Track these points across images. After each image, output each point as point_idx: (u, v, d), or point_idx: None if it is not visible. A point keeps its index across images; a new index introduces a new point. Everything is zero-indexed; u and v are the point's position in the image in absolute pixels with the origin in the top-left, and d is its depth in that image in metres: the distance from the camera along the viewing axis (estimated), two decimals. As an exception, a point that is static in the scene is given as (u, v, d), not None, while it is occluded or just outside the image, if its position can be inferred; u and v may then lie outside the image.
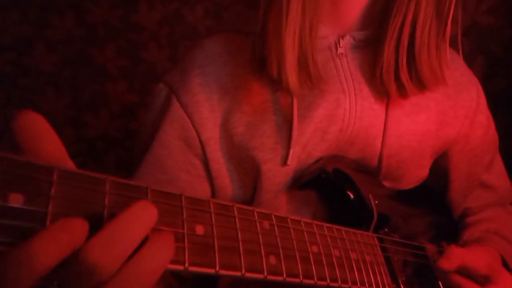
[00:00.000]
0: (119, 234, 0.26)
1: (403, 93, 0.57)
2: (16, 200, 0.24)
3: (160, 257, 0.28)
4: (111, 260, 0.25)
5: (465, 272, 0.55)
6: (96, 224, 0.27)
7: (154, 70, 1.53)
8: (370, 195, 0.55)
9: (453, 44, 0.60)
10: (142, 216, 0.28)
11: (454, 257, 0.53)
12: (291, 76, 0.52)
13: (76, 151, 1.54)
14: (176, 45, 1.52)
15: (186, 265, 0.30)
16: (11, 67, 1.46)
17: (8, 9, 1.43)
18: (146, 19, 1.50)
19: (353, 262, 0.45)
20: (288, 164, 0.55)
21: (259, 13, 0.53)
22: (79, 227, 0.25)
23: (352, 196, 0.55)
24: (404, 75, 0.56)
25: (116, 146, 1.56)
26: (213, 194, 0.60)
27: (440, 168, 0.69)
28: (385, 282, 0.49)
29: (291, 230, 0.41)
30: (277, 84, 0.54)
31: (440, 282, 0.57)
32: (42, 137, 0.27)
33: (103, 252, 0.25)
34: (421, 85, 0.57)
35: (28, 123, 0.27)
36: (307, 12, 0.51)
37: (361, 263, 0.46)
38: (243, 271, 0.34)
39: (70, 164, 0.28)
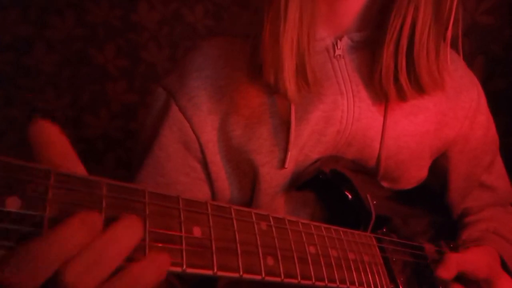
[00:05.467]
0: (98, 259, 0.26)
1: (402, 96, 0.57)
2: (13, 204, 0.24)
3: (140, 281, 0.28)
4: (88, 284, 0.26)
5: (465, 276, 0.54)
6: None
7: (154, 70, 1.52)
8: (368, 195, 0.55)
9: (453, 45, 0.60)
10: (124, 237, 0.28)
11: (452, 265, 0.52)
12: (290, 84, 0.52)
13: (76, 151, 1.53)
14: (176, 45, 1.52)
15: (184, 267, 0.31)
16: (11, 67, 1.46)
17: (8, 8, 1.43)
18: (146, 19, 1.49)
19: (351, 262, 0.45)
20: (285, 166, 0.55)
21: (256, 18, 0.53)
22: (98, 220, 0.27)
23: (350, 196, 0.55)
24: (404, 79, 0.55)
25: (116, 146, 1.56)
26: (213, 197, 0.60)
27: (439, 168, 0.69)
28: (384, 282, 0.49)
29: (289, 231, 0.41)
30: (274, 89, 0.54)
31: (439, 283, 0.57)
32: (52, 146, 0.28)
33: (80, 278, 0.25)
34: (420, 89, 0.56)
35: (38, 132, 0.28)
36: (304, 17, 0.51)
37: (359, 263, 0.46)
38: (241, 273, 0.34)
39: (81, 170, 0.29)
